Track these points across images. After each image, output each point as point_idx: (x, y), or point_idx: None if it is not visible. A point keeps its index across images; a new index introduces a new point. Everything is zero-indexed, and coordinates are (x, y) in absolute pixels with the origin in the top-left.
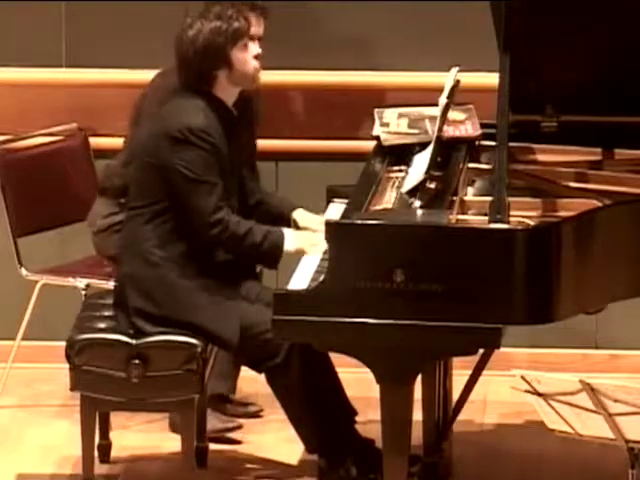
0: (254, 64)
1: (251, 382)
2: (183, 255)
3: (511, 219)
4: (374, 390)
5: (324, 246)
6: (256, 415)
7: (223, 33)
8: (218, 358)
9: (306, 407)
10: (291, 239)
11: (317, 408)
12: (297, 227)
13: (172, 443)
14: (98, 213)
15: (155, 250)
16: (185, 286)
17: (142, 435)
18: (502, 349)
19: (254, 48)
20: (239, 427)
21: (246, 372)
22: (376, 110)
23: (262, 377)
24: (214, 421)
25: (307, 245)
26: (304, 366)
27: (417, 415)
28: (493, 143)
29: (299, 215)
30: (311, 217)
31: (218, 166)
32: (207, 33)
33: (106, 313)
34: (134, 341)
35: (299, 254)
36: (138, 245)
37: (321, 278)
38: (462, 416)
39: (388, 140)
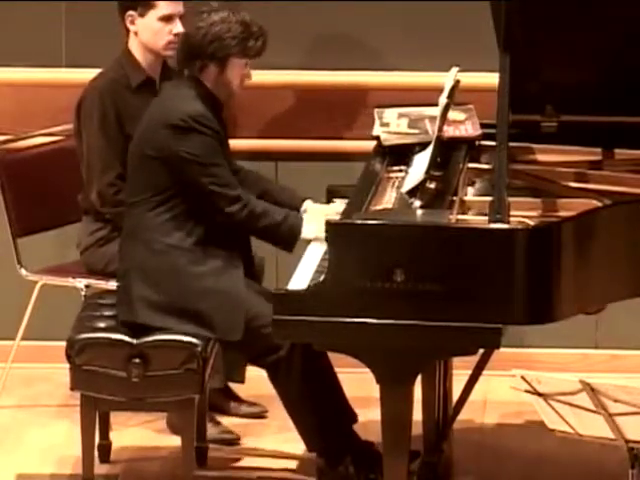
0: (238, 84)
1: (252, 383)
2: (190, 242)
3: (511, 219)
4: (374, 390)
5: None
6: (261, 416)
7: (238, 40)
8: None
9: (307, 403)
10: (308, 227)
11: (318, 405)
12: None
13: (172, 443)
14: (83, 233)
15: (161, 238)
16: (192, 273)
17: (142, 435)
18: (502, 349)
19: (250, 73)
20: (237, 439)
21: (248, 372)
22: (376, 110)
23: (264, 377)
24: (212, 429)
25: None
26: (306, 362)
27: (417, 415)
28: (493, 143)
29: (309, 206)
30: (321, 207)
31: (221, 150)
32: (225, 29)
33: (106, 313)
34: (134, 340)
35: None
36: (141, 235)
37: (321, 278)
38: (462, 416)
39: (388, 140)
